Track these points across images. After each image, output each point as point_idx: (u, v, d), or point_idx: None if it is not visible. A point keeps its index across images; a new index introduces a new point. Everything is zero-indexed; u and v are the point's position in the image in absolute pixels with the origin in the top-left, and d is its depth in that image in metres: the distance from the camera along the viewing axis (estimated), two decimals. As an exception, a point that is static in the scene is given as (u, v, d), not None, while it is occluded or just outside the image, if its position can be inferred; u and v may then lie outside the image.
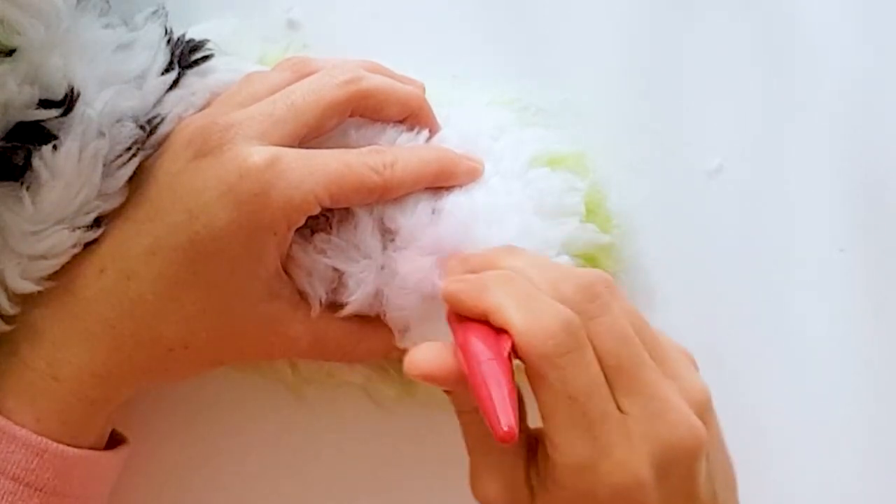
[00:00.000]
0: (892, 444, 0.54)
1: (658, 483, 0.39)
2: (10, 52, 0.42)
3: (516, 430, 0.37)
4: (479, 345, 0.39)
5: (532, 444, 0.42)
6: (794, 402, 0.54)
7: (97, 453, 0.46)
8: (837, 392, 0.54)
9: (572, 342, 0.39)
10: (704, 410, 0.41)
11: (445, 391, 0.42)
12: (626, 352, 0.40)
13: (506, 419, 0.37)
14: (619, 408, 0.39)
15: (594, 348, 0.40)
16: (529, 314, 0.39)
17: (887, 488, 0.54)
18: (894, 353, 0.54)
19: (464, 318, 0.42)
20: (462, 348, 0.40)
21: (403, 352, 0.49)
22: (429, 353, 0.41)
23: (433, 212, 0.48)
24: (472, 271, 0.44)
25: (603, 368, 0.40)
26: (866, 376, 0.54)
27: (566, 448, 0.39)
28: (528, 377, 0.39)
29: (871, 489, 0.54)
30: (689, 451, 0.40)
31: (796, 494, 0.54)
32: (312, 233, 0.47)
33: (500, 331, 0.40)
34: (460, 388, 0.40)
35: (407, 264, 0.47)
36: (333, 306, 0.48)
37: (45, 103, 0.43)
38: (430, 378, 0.40)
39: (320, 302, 0.47)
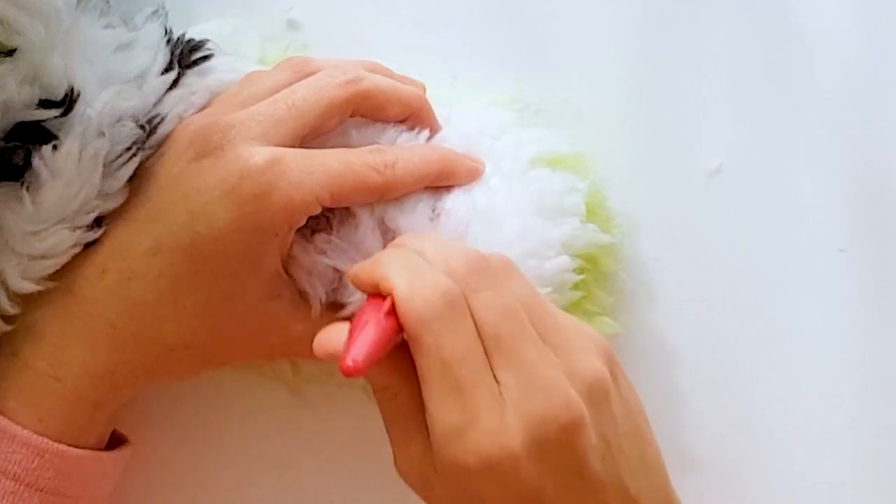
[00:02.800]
0: (893, 444, 0.54)
1: (535, 458, 0.39)
2: (10, 52, 0.42)
3: (361, 367, 0.38)
4: (366, 306, 0.41)
5: None
6: (794, 402, 0.54)
7: (98, 453, 0.46)
8: (838, 392, 0.54)
9: (448, 309, 0.39)
10: (594, 391, 0.41)
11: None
12: (507, 325, 0.40)
13: (354, 353, 0.38)
14: (496, 379, 0.40)
15: (475, 320, 0.40)
16: (411, 281, 0.40)
17: (888, 488, 0.54)
18: (894, 353, 0.54)
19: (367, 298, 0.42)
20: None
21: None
22: (333, 332, 0.41)
23: (433, 212, 0.48)
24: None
25: (482, 340, 0.40)
26: (867, 376, 0.54)
27: (437, 414, 0.39)
28: (409, 343, 0.40)
29: (872, 489, 0.54)
30: (566, 426, 0.39)
31: (796, 494, 0.54)
32: (313, 233, 0.47)
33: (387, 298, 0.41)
34: (357, 371, 0.40)
35: None
36: (334, 306, 0.48)
37: (45, 103, 0.43)
38: (336, 356, 0.40)
39: (321, 302, 0.47)
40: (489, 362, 0.40)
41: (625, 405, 0.42)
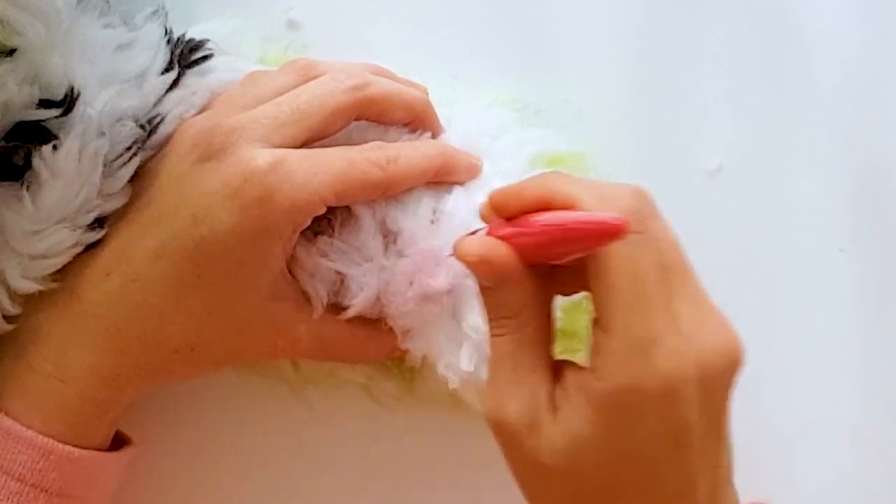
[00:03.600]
0: (893, 444, 0.54)
1: (700, 390, 0.38)
2: (10, 52, 0.42)
3: (626, 221, 0.37)
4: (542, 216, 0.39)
5: (556, 371, 0.41)
6: (794, 402, 0.54)
7: (102, 454, 0.46)
8: (838, 392, 0.54)
9: (638, 225, 0.38)
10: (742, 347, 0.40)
11: (482, 291, 0.41)
12: (681, 256, 0.40)
13: (607, 216, 0.37)
14: (672, 307, 0.39)
15: (658, 248, 0.39)
16: (597, 194, 0.39)
17: (888, 488, 0.54)
18: (894, 353, 0.54)
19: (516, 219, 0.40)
20: (519, 228, 0.39)
21: (406, 352, 0.49)
22: (482, 241, 0.40)
23: (434, 213, 0.48)
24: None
25: (663, 268, 0.39)
26: (867, 376, 0.54)
27: (622, 329, 0.38)
28: (587, 264, 0.39)
29: (872, 489, 0.54)
30: (731, 362, 0.39)
31: (796, 494, 0.54)
32: (315, 235, 0.47)
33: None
34: (512, 283, 0.40)
35: (409, 266, 0.47)
36: (337, 307, 0.48)
37: (45, 103, 0.43)
38: (491, 261, 0.39)
39: (323, 303, 0.47)
40: (667, 287, 0.39)
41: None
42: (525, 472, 0.40)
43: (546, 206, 0.40)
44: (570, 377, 0.40)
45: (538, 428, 0.39)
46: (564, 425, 0.39)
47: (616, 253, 0.38)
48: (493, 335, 0.41)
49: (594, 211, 0.38)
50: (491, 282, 0.41)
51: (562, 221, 0.39)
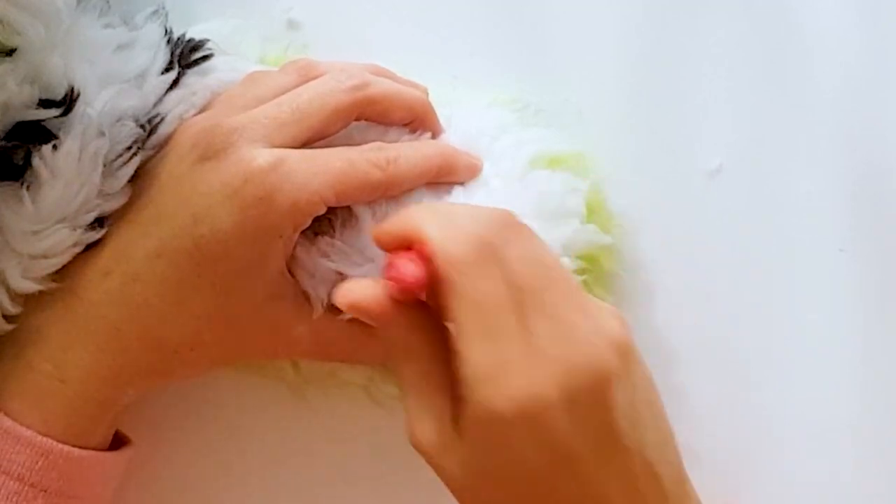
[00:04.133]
0: (893, 444, 0.54)
1: (567, 408, 0.38)
2: (10, 52, 0.42)
3: (423, 281, 0.38)
4: (394, 259, 0.40)
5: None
6: (793, 402, 0.54)
7: (102, 454, 0.46)
8: (838, 392, 0.54)
9: (482, 255, 0.39)
10: (621, 351, 0.40)
11: (381, 331, 0.42)
12: (539, 276, 0.40)
13: (410, 271, 0.39)
14: (527, 328, 0.39)
15: (507, 270, 0.39)
16: (445, 228, 0.40)
17: (888, 488, 0.54)
18: (894, 353, 0.54)
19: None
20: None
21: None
22: (358, 285, 0.41)
23: None
24: None
25: (514, 290, 0.39)
26: (867, 376, 0.54)
27: (469, 359, 0.38)
28: (439, 290, 0.39)
29: (872, 489, 0.54)
30: (596, 376, 0.39)
31: (796, 493, 0.54)
32: (316, 235, 0.47)
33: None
34: (392, 321, 0.40)
35: None
36: (336, 308, 0.48)
37: (45, 103, 0.43)
38: (360, 307, 0.40)
39: (323, 304, 0.47)
40: (521, 311, 0.39)
41: (643, 374, 0.42)
42: (450, 488, 0.41)
43: (407, 243, 0.41)
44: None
45: (446, 451, 0.40)
46: (461, 450, 0.39)
47: (457, 284, 0.39)
48: (396, 368, 0.42)
49: (440, 244, 0.39)
50: (370, 322, 0.41)
51: (386, 270, 0.40)
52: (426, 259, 0.39)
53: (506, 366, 0.38)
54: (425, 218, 0.40)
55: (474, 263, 0.39)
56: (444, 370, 0.40)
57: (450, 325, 0.39)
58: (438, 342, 0.41)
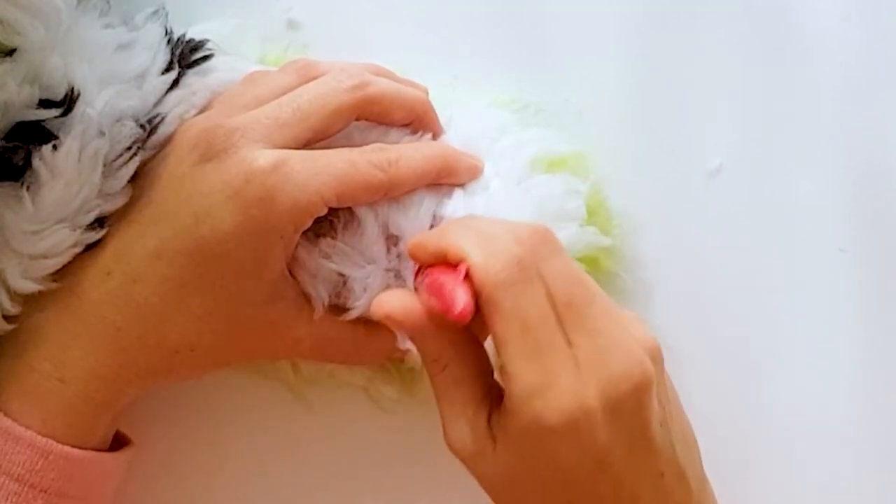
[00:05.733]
0: (893, 444, 0.54)
1: (608, 416, 0.40)
2: (10, 52, 0.42)
3: (471, 310, 0.39)
4: (435, 272, 0.41)
5: (496, 396, 0.43)
6: (794, 401, 0.54)
7: (102, 455, 0.46)
8: (838, 391, 0.54)
9: (524, 274, 0.40)
10: (655, 358, 0.42)
11: (413, 341, 0.43)
12: (578, 290, 0.41)
13: (460, 302, 0.39)
14: (568, 342, 0.40)
15: (547, 286, 0.41)
16: (485, 248, 0.41)
17: (887, 488, 0.54)
18: (894, 353, 0.54)
19: (426, 268, 0.43)
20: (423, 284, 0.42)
21: (405, 354, 0.49)
22: (394, 297, 0.42)
23: (436, 216, 0.48)
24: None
25: (555, 305, 0.41)
26: (867, 376, 0.54)
27: (517, 376, 0.40)
28: (483, 310, 0.40)
29: (871, 489, 0.54)
30: (637, 385, 0.40)
31: (796, 493, 0.54)
32: (317, 236, 0.47)
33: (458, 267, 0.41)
34: (425, 333, 0.42)
35: (409, 268, 0.47)
36: (337, 309, 0.48)
37: (45, 103, 0.43)
38: (394, 319, 0.41)
39: (324, 304, 0.47)
40: (562, 326, 0.41)
41: (669, 381, 0.44)
42: (485, 489, 0.43)
43: (444, 259, 0.42)
44: (498, 413, 0.42)
45: (482, 455, 0.42)
46: (498, 455, 0.41)
47: (502, 306, 0.40)
48: (430, 376, 0.43)
49: (483, 265, 0.40)
50: (404, 333, 0.43)
51: (432, 291, 0.41)
52: (467, 278, 0.40)
53: (552, 381, 0.40)
54: (465, 236, 0.41)
55: (517, 283, 0.40)
56: (476, 378, 0.42)
57: (492, 342, 0.41)
58: (469, 352, 0.42)
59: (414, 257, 0.44)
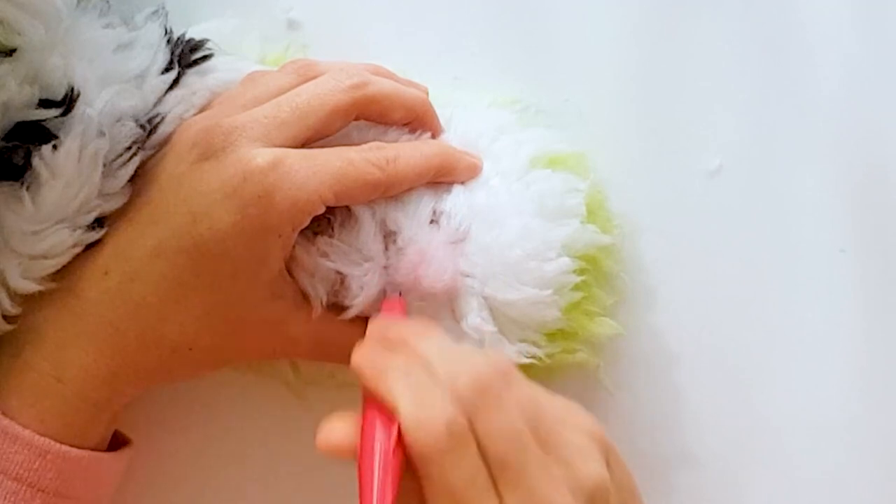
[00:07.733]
0: (893, 444, 0.54)
1: None
2: (10, 52, 0.42)
3: (390, 452, 0.38)
4: (376, 426, 0.40)
5: None
6: (793, 402, 0.54)
7: (100, 454, 0.46)
8: (837, 391, 0.54)
9: (454, 441, 0.39)
10: (595, 497, 0.40)
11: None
12: (513, 448, 0.39)
13: (382, 444, 0.39)
14: (501, 502, 0.39)
15: (481, 444, 0.39)
16: (418, 408, 0.39)
17: (887, 488, 0.54)
18: (894, 353, 0.54)
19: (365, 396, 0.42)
20: (362, 425, 0.40)
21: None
22: (337, 425, 0.41)
23: (434, 213, 0.48)
24: (388, 343, 0.42)
25: (488, 463, 0.39)
26: (867, 376, 0.54)
27: None
28: (413, 465, 0.39)
29: (871, 489, 0.54)
30: None
31: (796, 493, 0.54)
32: (315, 234, 0.47)
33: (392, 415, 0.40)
34: (364, 467, 0.40)
35: (408, 266, 0.47)
36: (335, 307, 0.48)
37: (45, 103, 0.43)
38: (338, 454, 0.40)
39: (322, 303, 0.47)
40: (495, 485, 0.39)
41: (619, 493, 0.42)
42: None
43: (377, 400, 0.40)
44: None
45: None
46: None
47: (429, 474, 0.39)
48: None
49: (412, 428, 0.39)
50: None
51: (360, 472, 0.39)
52: (396, 425, 0.39)
53: None
54: (399, 386, 0.40)
55: (446, 452, 0.38)
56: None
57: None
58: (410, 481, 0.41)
59: (359, 380, 0.41)
